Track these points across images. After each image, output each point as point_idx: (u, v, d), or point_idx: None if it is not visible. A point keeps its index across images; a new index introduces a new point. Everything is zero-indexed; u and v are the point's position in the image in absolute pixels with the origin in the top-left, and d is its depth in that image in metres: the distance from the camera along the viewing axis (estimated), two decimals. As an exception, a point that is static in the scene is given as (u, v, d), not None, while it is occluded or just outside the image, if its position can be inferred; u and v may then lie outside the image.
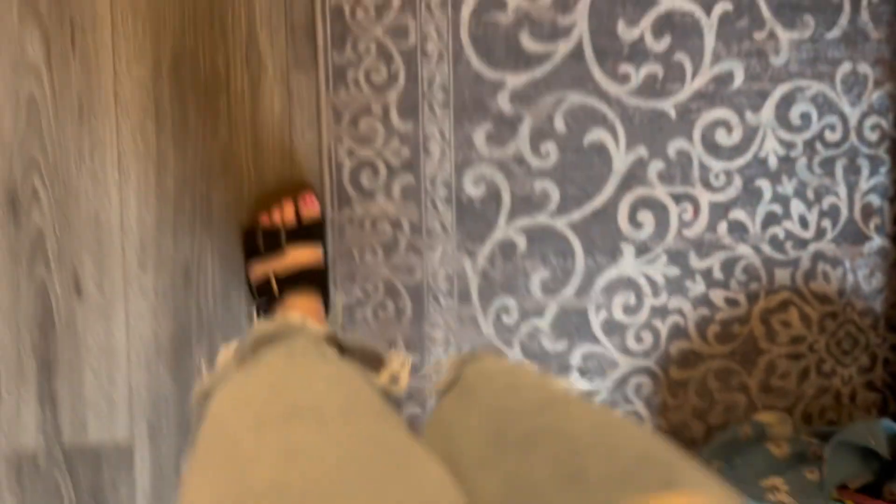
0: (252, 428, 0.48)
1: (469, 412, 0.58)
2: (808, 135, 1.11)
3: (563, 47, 1.03)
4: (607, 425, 0.49)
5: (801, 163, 1.11)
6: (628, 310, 1.09)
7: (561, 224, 1.07)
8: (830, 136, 1.11)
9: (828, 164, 1.11)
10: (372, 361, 0.62)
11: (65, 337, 0.94)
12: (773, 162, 1.10)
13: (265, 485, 0.41)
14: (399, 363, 0.64)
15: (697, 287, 1.10)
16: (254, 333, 0.62)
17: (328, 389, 0.53)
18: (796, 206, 1.11)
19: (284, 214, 0.95)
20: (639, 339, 1.10)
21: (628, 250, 1.08)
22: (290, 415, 0.49)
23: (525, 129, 1.04)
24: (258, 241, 0.95)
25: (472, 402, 0.59)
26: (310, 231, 0.96)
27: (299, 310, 0.94)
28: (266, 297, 0.95)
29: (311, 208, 0.96)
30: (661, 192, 1.08)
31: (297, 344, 0.59)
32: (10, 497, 0.95)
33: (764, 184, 1.10)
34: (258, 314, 0.97)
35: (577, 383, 1.09)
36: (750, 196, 1.10)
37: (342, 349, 0.61)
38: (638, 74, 1.05)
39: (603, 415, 0.52)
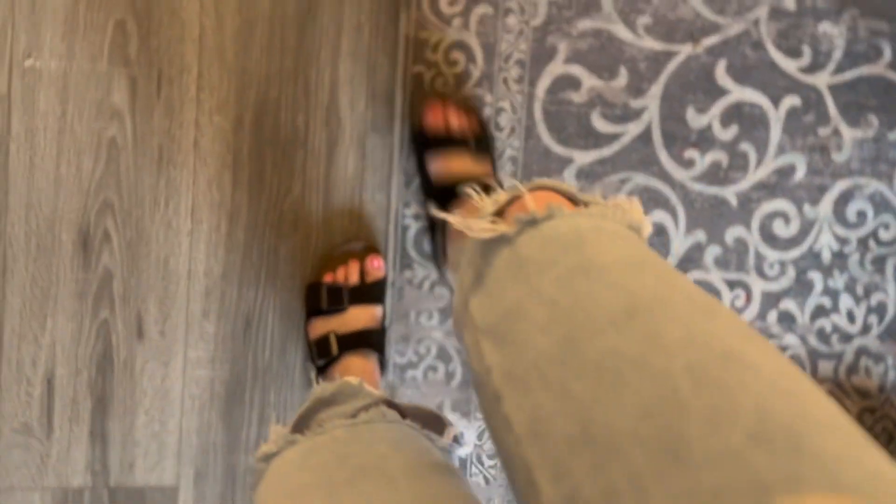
0: (321, 487, 0.50)
1: (527, 295, 0.45)
2: (862, 232, 1.13)
3: (632, 129, 1.05)
4: (726, 362, 0.36)
5: (854, 259, 1.13)
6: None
7: (615, 301, 1.08)
8: (884, 235, 1.13)
9: (879, 262, 1.13)
10: (432, 423, 0.64)
11: (122, 378, 0.95)
12: (826, 256, 1.12)
13: None
14: (457, 427, 0.66)
15: (743, 374, 1.12)
16: (314, 394, 0.65)
17: (393, 450, 0.55)
18: (845, 301, 1.13)
19: (349, 274, 0.97)
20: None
21: (678, 333, 1.10)
22: (357, 477, 0.51)
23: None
24: (321, 298, 0.96)
25: (528, 282, 0.45)
26: (373, 291, 0.97)
27: (356, 370, 0.95)
28: (324, 355, 0.96)
29: (377, 270, 0.97)
30: (715, 277, 1.09)
31: (357, 407, 0.61)
32: (52, 532, 0.96)
33: (816, 276, 1.12)
34: (316, 372, 0.98)
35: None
36: (801, 287, 1.12)
37: (401, 411, 0.63)
38: (703, 161, 1.07)
39: (719, 341, 0.37)
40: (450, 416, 1.04)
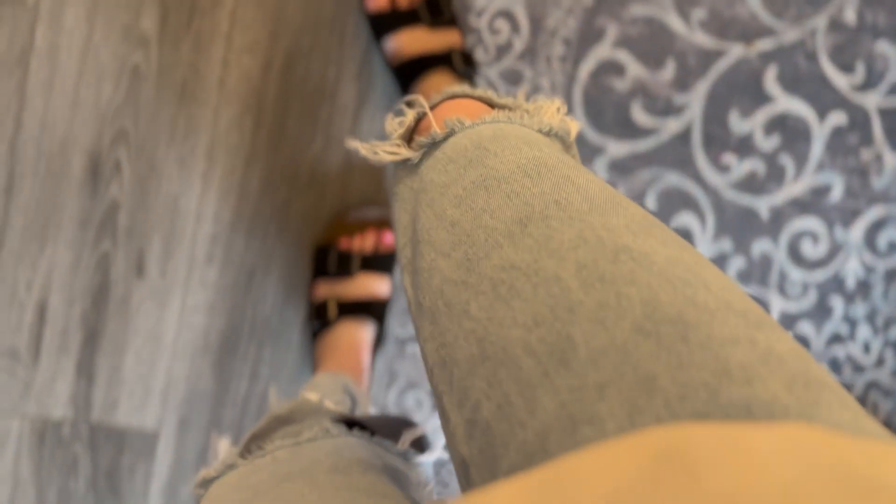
0: (247, 500, 0.49)
1: (431, 220, 0.44)
2: (891, 263, 1.10)
3: (672, 125, 1.03)
4: (616, 256, 0.34)
5: (878, 289, 1.11)
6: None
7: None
8: (913, 269, 1.11)
9: (904, 296, 1.11)
10: (394, 430, 0.63)
11: (116, 314, 0.93)
12: (850, 282, 1.10)
13: None
14: (420, 430, 0.65)
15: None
16: (271, 412, 0.64)
17: (326, 456, 0.54)
18: (863, 331, 1.11)
19: (364, 243, 0.94)
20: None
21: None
22: (282, 482, 0.51)
23: (616, 200, 1.04)
24: (330, 263, 0.94)
25: (433, 207, 0.44)
26: (384, 262, 0.95)
27: (347, 339, 0.94)
28: (321, 318, 0.94)
29: (390, 245, 0.95)
30: (734, 290, 1.07)
31: (304, 431, 0.60)
32: (27, 461, 0.94)
33: (837, 302, 1.10)
34: (312, 335, 0.96)
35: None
36: (821, 311, 1.10)
37: (354, 424, 0.61)
38: (740, 168, 1.05)
39: (613, 237, 0.36)
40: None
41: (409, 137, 0.51)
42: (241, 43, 0.92)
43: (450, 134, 0.47)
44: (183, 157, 0.92)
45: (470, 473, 0.36)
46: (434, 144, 0.47)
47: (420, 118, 0.50)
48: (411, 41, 0.91)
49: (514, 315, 0.35)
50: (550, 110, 0.49)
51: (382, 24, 0.92)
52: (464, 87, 0.52)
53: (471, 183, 0.42)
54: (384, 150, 0.49)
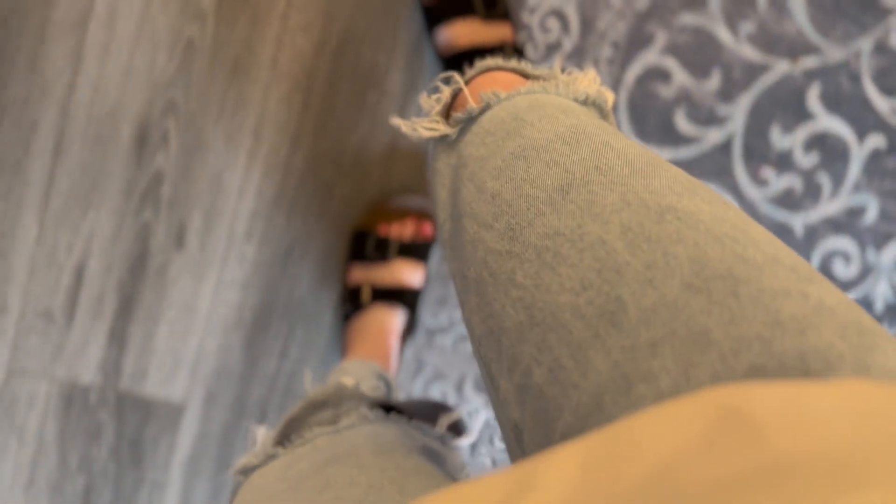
0: (292, 489, 0.50)
1: (472, 194, 0.44)
2: (921, 288, 1.11)
3: (714, 136, 1.04)
4: (661, 217, 0.35)
5: (907, 313, 1.11)
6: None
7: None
8: (942, 296, 1.12)
9: (931, 322, 1.12)
10: (430, 414, 0.63)
11: (152, 284, 0.94)
12: (879, 306, 1.11)
13: None
14: (457, 414, 0.65)
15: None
16: (307, 397, 0.64)
17: (367, 440, 0.55)
18: (889, 355, 1.12)
19: (403, 230, 0.95)
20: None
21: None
22: (325, 465, 0.52)
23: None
24: (368, 246, 0.95)
25: (473, 180, 0.44)
26: (420, 250, 0.96)
27: (378, 323, 0.94)
28: (354, 302, 0.95)
29: (427, 235, 0.96)
30: (764, 304, 1.08)
31: (339, 413, 0.60)
32: (52, 424, 0.95)
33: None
34: (343, 319, 0.97)
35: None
36: (848, 332, 1.10)
37: (392, 408, 0.62)
38: (778, 182, 1.06)
39: (656, 198, 0.36)
40: (470, 393, 1.03)
41: (446, 114, 0.51)
42: (296, 22, 0.93)
43: (486, 108, 0.47)
44: (230, 133, 0.93)
45: (523, 438, 0.36)
46: (471, 119, 0.47)
47: (456, 94, 0.51)
48: (464, 32, 0.93)
49: (561, 280, 0.36)
50: (587, 80, 0.49)
51: (436, 14, 0.93)
52: (496, 60, 0.52)
53: (509, 154, 0.43)
54: (423, 127, 0.50)
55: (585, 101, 0.48)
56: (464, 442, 0.65)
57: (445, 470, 0.57)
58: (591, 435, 0.27)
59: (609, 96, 0.50)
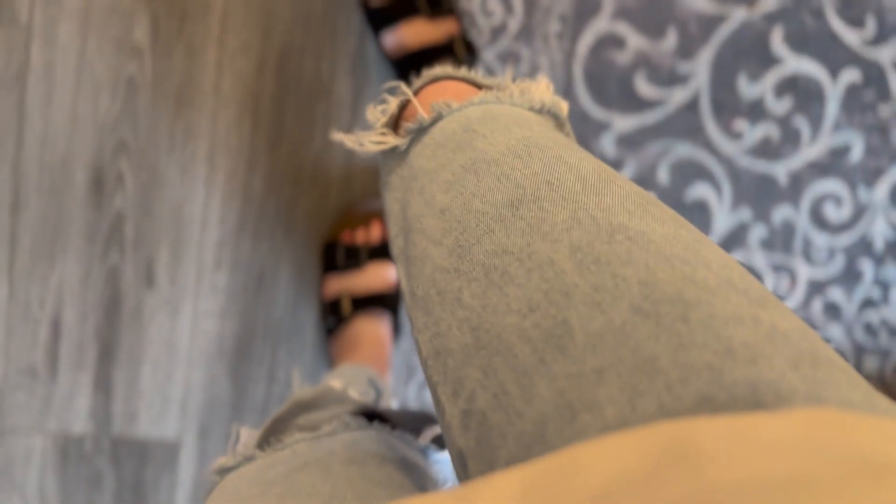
0: (263, 494, 0.50)
1: (422, 208, 0.44)
2: (921, 220, 1.09)
3: (678, 95, 1.03)
4: (612, 237, 0.34)
5: (910, 249, 1.09)
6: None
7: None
8: (945, 225, 1.09)
9: (937, 254, 1.09)
10: (417, 425, 0.63)
11: (129, 325, 0.96)
12: (879, 244, 1.08)
13: None
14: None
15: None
16: (294, 398, 0.64)
17: (343, 448, 0.55)
18: (897, 294, 1.10)
19: (370, 234, 0.96)
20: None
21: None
22: (295, 472, 0.51)
23: (627, 176, 1.04)
24: (338, 256, 0.96)
25: (423, 194, 0.44)
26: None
27: (366, 336, 0.95)
28: (336, 315, 0.96)
29: (398, 233, 0.96)
30: (759, 259, 1.07)
31: (325, 422, 0.60)
32: (52, 478, 0.97)
33: (867, 265, 1.08)
34: (327, 333, 0.98)
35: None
36: (850, 276, 1.08)
37: (376, 417, 0.61)
38: (753, 133, 1.04)
39: (607, 216, 0.36)
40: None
41: (395, 125, 0.51)
42: (233, 45, 0.94)
43: (437, 118, 0.46)
44: (184, 164, 0.94)
45: (468, 465, 0.36)
46: (421, 130, 0.47)
47: (404, 105, 0.50)
48: (412, 33, 0.93)
49: (508, 301, 0.35)
50: (540, 88, 0.49)
51: (381, 18, 0.93)
52: (446, 69, 0.52)
53: (460, 167, 0.42)
54: (370, 140, 0.49)
55: (541, 110, 0.48)
56: (447, 455, 0.64)
57: (423, 483, 0.57)
58: (532, 462, 0.27)
59: (563, 105, 0.49)
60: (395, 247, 0.48)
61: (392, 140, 0.48)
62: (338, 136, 0.52)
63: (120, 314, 0.96)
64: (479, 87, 0.51)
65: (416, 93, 0.51)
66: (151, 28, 0.92)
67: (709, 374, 0.28)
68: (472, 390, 0.35)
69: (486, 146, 0.42)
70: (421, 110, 0.47)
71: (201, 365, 0.98)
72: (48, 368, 0.95)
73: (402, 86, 0.50)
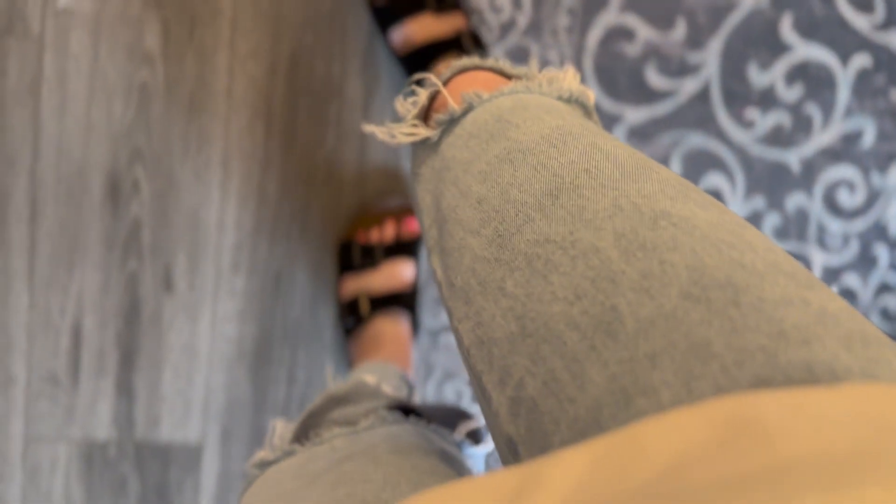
0: (308, 486, 0.50)
1: (457, 199, 0.44)
2: (935, 203, 1.09)
3: (689, 86, 1.03)
4: (655, 223, 0.35)
5: (925, 232, 1.09)
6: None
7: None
8: (959, 208, 1.09)
9: (952, 237, 1.10)
10: (450, 420, 0.63)
11: (149, 331, 0.97)
12: (893, 229, 1.09)
13: None
14: (476, 422, 0.65)
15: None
16: (327, 392, 0.65)
17: (384, 440, 0.55)
18: (913, 278, 1.10)
19: (384, 234, 0.96)
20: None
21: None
22: (341, 462, 0.52)
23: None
24: (353, 256, 0.96)
25: (457, 185, 0.45)
26: (407, 247, 0.97)
27: (387, 336, 0.95)
28: (354, 315, 0.97)
29: (411, 231, 0.97)
30: (772, 248, 1.07)
31: (359, 414, 0.61)
32: (77, 485, 0.98)
33: (882, 251, 1.09)
34: (346, 333, 0.98)
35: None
36: (865, 262, 1.09)
37: (411, 411, 0.62)
38: (764, 122, 1.05)
39: (649, 203, 0.36)
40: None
41: (424, 116, 0.51)
42: (244, 49, 0.94)
43: (468, 109, 0.46)
44: (199, 169, 0.95)
45: (519, 451, 0.36)
46: (453, 121, 0.47)
47: (433, 96, 0.50)
48: (419, 29, 0.93)
49: (554, 289, 0.35)
50: (568, 77, 0.49)
51: (388, 15, 0.94)
52: (473, 59, 0.52)
53: (494, 157, 0.43)
54: (401, 132, 0.49)
55: (570, 99, 0.48)
56: (481, 450, 0.65)
57: (465, 475, 0.57)
58: (596, 439, 0.27)
59: (590, 94, 0.49)
60: (430, 238, 0.48)
61: (423, 131, 0.48)
62: (369, 128, 0.52)
63: (140, 320, 0.97)
64: (507, 76, 0.51)
65: (444, 84, 0.51)
66: (162, 34, 0.93)
67: (763, 357, 0.28)
68: (521, 378, 0.35)
69: (519, 136, 0.42)
70: (451, 101, 0.47)
71: (222, 368, 0.99)
72: (70, 376, 0.96)
73: (432, 77, 0.50)
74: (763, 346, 0.29)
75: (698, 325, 0.30)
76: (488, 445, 0.63)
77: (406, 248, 0.97)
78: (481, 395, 0.39)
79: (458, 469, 0.57)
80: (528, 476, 0.27)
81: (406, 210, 0.98)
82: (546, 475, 0.26)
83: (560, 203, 0.38)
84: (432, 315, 1.03)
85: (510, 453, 0.37)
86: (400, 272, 0.97)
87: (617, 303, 0.32)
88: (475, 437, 0.64)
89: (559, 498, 0.25)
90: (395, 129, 0.50)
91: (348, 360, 1.00)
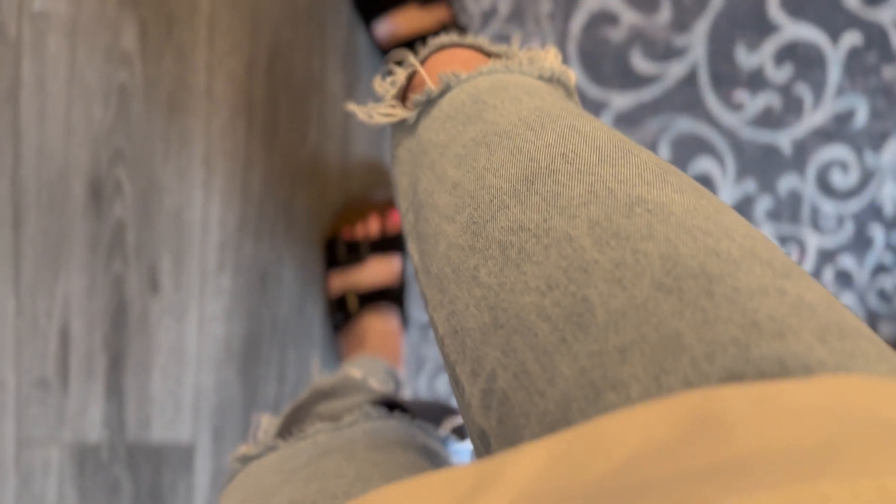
0: (287, 481, 0.50)
1: (433, 183, 0.43)
2: (931, 182, 1.08)
3: (676, 69, 1.02)
4: (631, 210, 0.34)
5: (921, 211, 1.08)
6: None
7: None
8: (956, 185, 1.08)
9: (950, 215, 1.08)
10: (436, 416, 0.63)
11: (137, 333, 0.97)
12: (889, 209, 1.07)
13: None
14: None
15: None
16: (313, 386, 0.65)
17: (365, 435, 0.55)
18: (910, 258, 1.09)
19: (369, 228, 0.96)
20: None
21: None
22: (319, 457, 0.52)
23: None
24: (339, 252, 0.96)
25: (433, 169, 0.44)
26: (393, 242, 0.97)
27: (375, 332, 0.95)
28: (343, 311, 0.97)
29: (397, 225, 0.97)
30: (767, 231, 1.06)
31: (341, 409, 0.61)
32: (71, 489, 0.99)
33: (877, 231, 1.08)
34: (334, 329, 0.98)
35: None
36: (861, 243, 1.08)
37: (396, 407, 0.62)
38: (754, 104, 1.03)
39: (625, 189, 0.35)
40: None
41: (403, 96, 0.50)
42: (222, 47, 0.94)
43: (445, 89, 0.46)
44: (181, 169, 0.95)
45: (490, 444, 0.36)
46: (430, 102, 0.46)
47: (412, 75, 0.49)
48: (403, 22, 0.93)
49: (526, 279, 0.34)
50: (550, 56, 0.48)
51: (371, 8, 0.93)
52: (452, 37, 0.51)
53: (471, 140, 0.42)
54: (378, 112, 0.49)
55: (551, 79, 0.47)
56: (467, 446, 0.65)
57: (437, 465, 0.57)
58: (558, 434, 0.27)
59: (571, 74, 0.49)
60: (407, 223, 0.47)
61: (400, 112, 0.48)
62: (351, 107, 0.52)
63: (127, 322, 0.97)
64: (487, 54, 0.50)
65: (423, 62, 0.50)
66: (140, 34, 0.93)
67: (735, 350, 0.28)
68: (492, 370, 0.35)
69: (497, 118, 0.42)
70: (429, 81, 0.47)
71: (211, 368, 0.99)
72: (60, 380, 0.97)
73: (410, 56, 0.50)
74: (735, 338, 0.28)
75: (670, 316, 0.29)
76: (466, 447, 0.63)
77: (391, 242, 0.97)
78: (455, 386, 0.39)
79: (438, 465, 0.56)
80: (486, 471, 0.26)
81: (390, 204, 0.98)
82: (503, 471, 0.26)
83: (535, 189, 0.37)
84: (421, 308, 1.03)
85: (483, 446, 0.37)
86: (386, 267, 0.97)
87: (588, 294, 0.32)
88: (460, 432, 0.64)
89: (515, 493, 0.25)
90: (373, 109, 0.49)
91: (338, 357, 1.00)
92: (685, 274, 0.30)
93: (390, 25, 0.93)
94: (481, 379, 0.35)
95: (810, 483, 0.20)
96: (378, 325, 0.96)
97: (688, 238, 0.32)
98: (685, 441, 0.24)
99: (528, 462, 0.26)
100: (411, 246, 0.46)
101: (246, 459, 0.57)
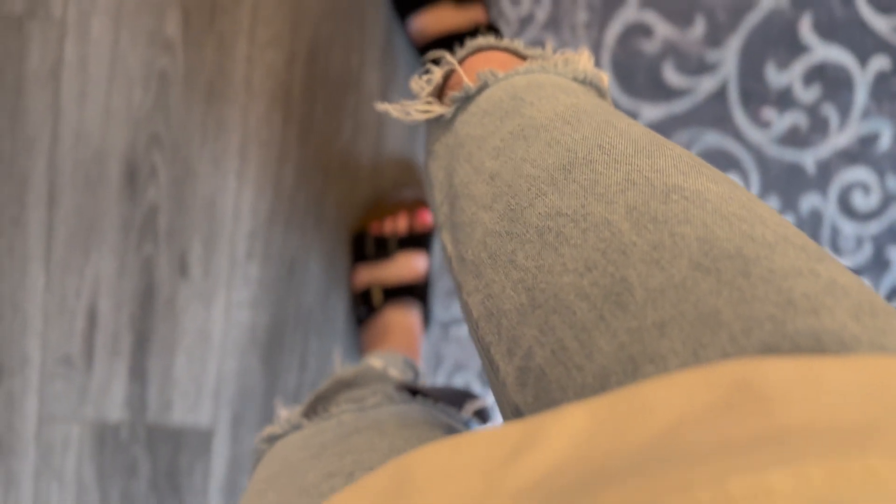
0: (315, 456, 0.52)
1: (470, 175, 0.45)
2: (950, 208, 1.10)
3: (706, 84, 1.04)
4: (667, 196, 0.35)
5: (939, 236, 1.10)
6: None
7: (675, 267, 1.08)
8: (974, 213, 1.10)
9: (966, 242, 1.11)
10: (456, 400, 0.65)
11: (163, 315, 0.99)
12: (908, 232, 1.10)
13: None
14: (483, 402, 0.67)
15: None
16: (335, 376, 0.66)
17: (391, 416, 0.56)
18: (926, 281, 1.11)
19: (398, 225, 0.98)
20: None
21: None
22: (349, 434, 0.54)
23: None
24: (367, 247, 0.98)
25: (470, 161, 0.46)
26: (420, 240, 0.99)
27: (397, 326, 0.97)
28: (367, 304, 0.98)
29: (425, 223, 0.99)
30: (785, 249, 1.08)
31: (366, 394, 0.62)
32: (89, 465, 1.00)
33: (895, 254, 1.10)
34: (358, 323, 1.00)
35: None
36: (878, 265, 1.10)
37: (424, 394, 0.63)
38: (781, 122, 1.06)
39: (661, 177, 0.37)
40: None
41: (439, 94, 0.52)
42: (263, 38, 0.96)
43: (483, 87, 0.48)
44: (216, 157, 0.97)
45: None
46: (468, 98, 0.48)
47: (448, 74, 0.52)
48: (437, 20, 0.95)
49: (564, 261, 0.36)
50: (583, 59, 0.50)
51: (407, 4, 0.95)
52: (489, 39, 0.53)
53: (508, 134, 0.44)
54: (416, 109, 0.51)
55: (584, 80, 0.49)
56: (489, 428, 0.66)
57: None
58: (599, 396, 0.28)
59: (604, 77, 0.51)
60: (440, 214, 0.49)
61: (437, 108, 0.50)
62: (383, 106, 0.54)
63: (154, 304, 0.99)
64: (522, 57, 0.52)
65: (460, 62, 0.52)
66: (183, 21, 0.95)
67: (771, 325, 0.29)
68: (529, 347, 0.36)
69: (534, 113, 0.43)
70: (466, 79, 0.49)
71: (234, 354, 1.01)
72: (84, 358, 0.99)
73: (447, 55, 0.52)
74: (771, 314, 0.29)
75: (707, 294, 0.31)
76: (496, 424, 0.64)
77: (419, 240, 0.99)
78: (489, 367, 0.41)
79: None
80: (529, 430, 0.27)
81: (420, 203, 1.00)
82: (547, 430, 0.27)
83: (572, 177, 0.39)
84: (444, 307, 1.05)
85: None
86: (413, 264, 0.99)
87: (627, 274, 0.33)
88: (482, 416, 0.65)
89: (559, 453, 0.26)
90: (409, 106, 0.51)
91: (359, 349, 1.02)
92: (722, 255, 0.32)
93: (424, 22, 0.95)
94: (517, 357, 0.37)
95: (858, 457, 0.21)
96: (401, 319, 0.98)
97: (724, 223, 0.33)
98: (726, 412, 0.25)
99: (570, 421, 0.27)
100: (445, 236, 0.48)
101: (272, 438, 0.59)
